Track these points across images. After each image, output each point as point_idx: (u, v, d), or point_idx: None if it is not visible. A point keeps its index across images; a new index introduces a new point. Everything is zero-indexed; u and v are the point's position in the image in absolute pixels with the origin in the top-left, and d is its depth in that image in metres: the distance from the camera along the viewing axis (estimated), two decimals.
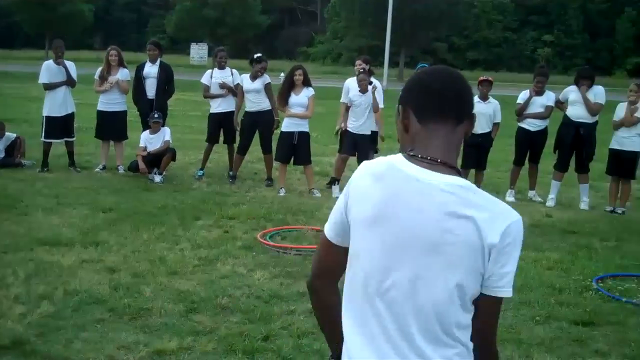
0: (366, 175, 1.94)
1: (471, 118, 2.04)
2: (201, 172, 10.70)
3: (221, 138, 10.87)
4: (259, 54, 10.47)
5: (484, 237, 1.81)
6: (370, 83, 9.62)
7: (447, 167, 1.88)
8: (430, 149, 1.90)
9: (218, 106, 10.71)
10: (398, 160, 1.91)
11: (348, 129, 9.72)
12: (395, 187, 1.87)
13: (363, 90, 9.54)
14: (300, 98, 9.76)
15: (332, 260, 2.08)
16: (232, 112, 10.53)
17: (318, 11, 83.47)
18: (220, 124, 10.75)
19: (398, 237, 1.85)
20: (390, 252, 1.86)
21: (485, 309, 1.91)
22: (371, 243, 1.89)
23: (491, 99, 10.10)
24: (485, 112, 9.91)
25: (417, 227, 1.83)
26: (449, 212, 1.81)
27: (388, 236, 1.86)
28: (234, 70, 10.81)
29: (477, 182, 9.99)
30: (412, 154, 1.91)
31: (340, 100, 10.00)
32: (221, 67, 10.84)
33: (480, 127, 9.85)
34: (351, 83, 9.81)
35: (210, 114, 10.88)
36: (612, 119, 9.71)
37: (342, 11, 65.04)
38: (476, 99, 9.96)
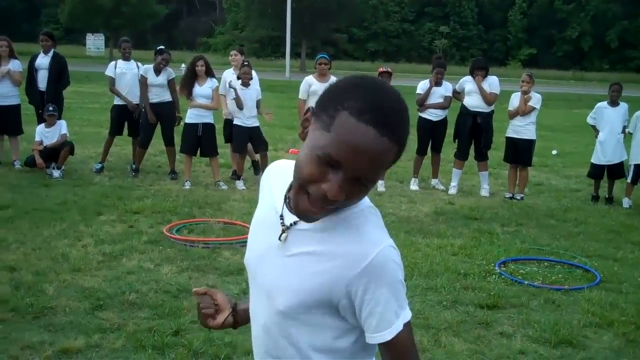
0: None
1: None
2: (100, 165, 10.40)
3: (125, 131, 10.64)
4: (161, 47, 10.41)
5: None
6: (251, 78, 9.84)
7: None
8: None
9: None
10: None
11: (236, 123, 9.76)
12: None
13: (245, 84, 9.65)
14: (204, 89, 9.67)
15: None
16: (136, 105, 10.32)
17: (217, 1, 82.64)
18: (124, 116, 10.49)
19: None
20: None
21: None
22: None
23: None
24: None
25: None
26: None
27: None
28: (138, 63, 10.59)
29: None
30: None
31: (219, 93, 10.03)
32: (126, 59, 10.61)
33: None
34: (228, 75, 10.11)
35: (114, 105, 10.60)
36: (508, 109, 10.04)
37: (241, 1, 64.68)
38: None
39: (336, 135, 1.43)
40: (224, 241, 6.93)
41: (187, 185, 9.59)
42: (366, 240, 1.55)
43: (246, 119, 9.71)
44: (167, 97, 10.17)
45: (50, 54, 10.52)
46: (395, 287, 1.55)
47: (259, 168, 10.38)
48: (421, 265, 6.40)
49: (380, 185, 10.06)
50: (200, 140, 9.72)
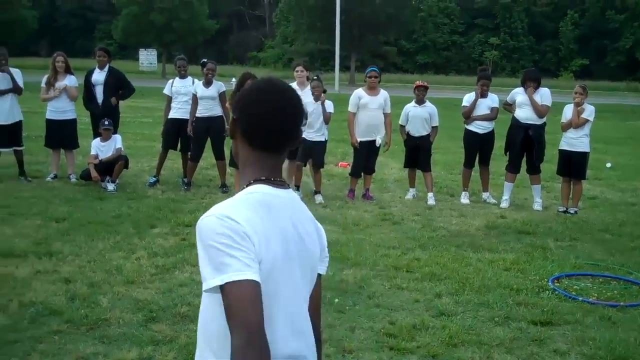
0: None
1: None
2: (154, 178, 10.57)
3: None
4: (204, 59, 10.60)
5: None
6: (324, 91, 9.70)
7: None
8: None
9: (175, 112, 10.61)
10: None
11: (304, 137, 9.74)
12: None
13: (317, 97, 9.59)
14: None
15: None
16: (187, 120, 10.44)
17: (266, 15, 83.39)
18: (177, 130, 10.64)
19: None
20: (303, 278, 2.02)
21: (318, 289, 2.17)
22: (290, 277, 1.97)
23: (427, 103, 10.25)
24: (421, 115, 10.13)
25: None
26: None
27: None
28: (195, 80, 10.71)
29: (427, 184, 10.12)
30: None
31: None
32: (182, 77, 10.70)
33: (417, 130, 10.17)
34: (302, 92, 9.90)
35: (168, 119, 10.74)
36: (561, 121, 9.89)
37: (290, 15, 65.09)
38: (412, 103, 10.17)
39: None
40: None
41: None
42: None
43: (313, 133, 9.70)
44: (217, 111, 10.27)
45: (106, 69, 10.73)
46: (207, 250, 1.83)
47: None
48: (472, 281, 6.34)
49: (430, 199, 10.00)
50: None
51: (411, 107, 10.23)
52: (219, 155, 10.42)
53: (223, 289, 1.78)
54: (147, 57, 57.67)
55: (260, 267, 1.83)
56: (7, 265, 6.33)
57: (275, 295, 1.89)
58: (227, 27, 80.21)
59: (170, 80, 10.84)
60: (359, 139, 9.99)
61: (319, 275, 2.13)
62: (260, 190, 1.96)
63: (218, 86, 10.27)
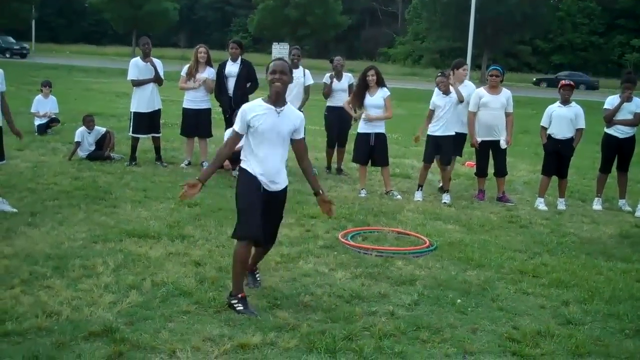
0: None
1: None
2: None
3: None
4: (332, 57, 11.29)
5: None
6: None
7: None
8: None
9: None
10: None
11: (429, 133, 9.67)
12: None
13: (445, 91, 9.48)
14: (376, 99, 9.75)
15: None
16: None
17: (399, 12, 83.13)
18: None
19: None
20: None
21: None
22: None
23: (573, 104, 9.77)
24: (567, 115, 9.62)
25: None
26: None
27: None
28: (306, 71, 10.97)
29: (561, 191, 9.76)
30: None
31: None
32: (295, 66, 10.90)
33: (561, 132, 9.62)
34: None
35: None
36: None
37: (423, 12, 64.59)
38: (557, 103, 9.75)
39: None
40: (397, 251, 6.97)
41: (363, 194, 9.73)
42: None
43: (440, 129, 9.63)
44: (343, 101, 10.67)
45: (238, 61, 11.01)
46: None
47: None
48: (602, 290, 6.09)
49: (561, 204, 9.69)
50: (372, 150, 9.82)
51: (555, 108, 9.78)
52: (342, 142, 11.27)
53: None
54: (280, 51, 58.56)
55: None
56: (142, 245, 6.66)
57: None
58: (359, 22, 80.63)
59: None
60: (479, 139, 9.81)
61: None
62: None
63: (348, 78, 10.71)
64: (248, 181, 5.26)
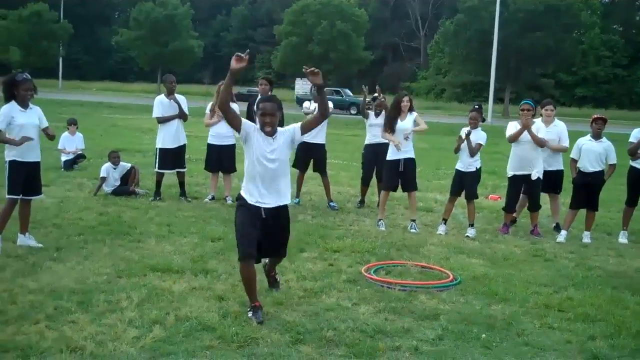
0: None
1: None
2: (297, 199, 11.20)
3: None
4: (374, 95, 11.36)
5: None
6: (484, 120, 9.68)
7: None
8: None
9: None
10: None
11: (456, 168, 9.72)
12: None
13: (473, 126, 9.54)
14: (406, 123, 9.82)
15: None
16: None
17: (421, 47, 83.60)
18: (310, 154, 11.29)
19: None
20: None
21: None
22: None
23: (604, 139, 9.71)
24: (596, 150, 9.58)
25: None
26: None
27: None
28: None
29: (588, 224, 9.68)
30: None
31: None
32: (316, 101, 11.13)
33: (590, 165, 9.57)
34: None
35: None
36: None
37: (446, 47, 64.81)
38: (588, 137, 9.70)
39: None
40: (421, 285, 6.93)
41: (382, 227, 9.72)
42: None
43: (463, 165, 9.72)
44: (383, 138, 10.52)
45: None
46: None
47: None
48: (630, 325, 6.01)
49: (586, 237, 9.59)
50: (401, 175, 9.84)
51: (586, 141, 9.73)
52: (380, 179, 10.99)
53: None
54: (303, 87, 59.24)
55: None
56: (166, 280, 6.69)
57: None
58: (382, 57, 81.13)
59: (307, 102, 11.84)
60: (512, 173, 9.79)
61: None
62: None
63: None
64: (243, 207, 5.83)
